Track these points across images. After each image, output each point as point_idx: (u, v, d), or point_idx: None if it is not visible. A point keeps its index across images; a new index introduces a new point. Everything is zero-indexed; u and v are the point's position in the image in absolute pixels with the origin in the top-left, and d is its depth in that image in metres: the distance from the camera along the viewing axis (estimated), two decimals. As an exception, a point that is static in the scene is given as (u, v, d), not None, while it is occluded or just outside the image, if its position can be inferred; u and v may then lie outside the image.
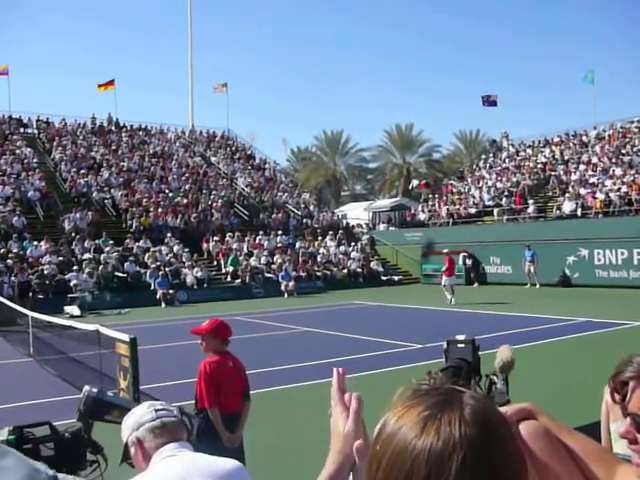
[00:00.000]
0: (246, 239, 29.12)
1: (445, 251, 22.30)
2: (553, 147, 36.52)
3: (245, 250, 28.27)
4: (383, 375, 9.43)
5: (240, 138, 46.10)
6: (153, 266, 24.47)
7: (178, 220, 29.27)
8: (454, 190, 36.11)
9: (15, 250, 23.75)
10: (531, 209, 28.69)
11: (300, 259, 28.39)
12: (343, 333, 14.29)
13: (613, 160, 29.87)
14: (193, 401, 4.55)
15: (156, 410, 2.11)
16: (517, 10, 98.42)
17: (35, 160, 32.47)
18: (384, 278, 29.01)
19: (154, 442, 2.04)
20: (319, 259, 29.25)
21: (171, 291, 23.18)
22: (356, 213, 43.76)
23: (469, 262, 27.18)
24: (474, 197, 33.33)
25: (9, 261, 22.77)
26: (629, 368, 1.48)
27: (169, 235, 27.82)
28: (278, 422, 7.26)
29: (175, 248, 27.10)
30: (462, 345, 4.35)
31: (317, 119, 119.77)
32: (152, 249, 26.20)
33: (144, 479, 1.93)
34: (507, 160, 37.70)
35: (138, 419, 2.10)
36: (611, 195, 26.03)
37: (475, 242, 27.83)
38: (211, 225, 30.01)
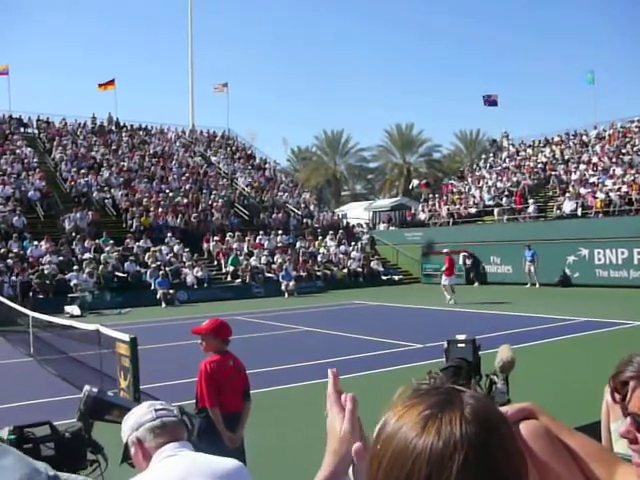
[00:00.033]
0: (246, 239, 29.12)
1: (445, 251, 22.29)
2: (553, 147, 36.52)
3: (245, 250, 28.27)
4: (383, 375, 9.43)
5: (240, 138, 46.14)
6: (153, 266, 24.47)
7: (178, 220, 29.27)
8: (454, 190, 36.11)
9: (15, 250, 23.75)
10: (531, 209, 28.69)
11: (300, 259, 28.39)
12: (343, 333, 14.29)
13: (613, 160, 29.86)
14: (193, 401, 4.55)
15: (156, 410, 2.11)
16: (517, 10, 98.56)
17: (35, 160, 32.47)
18: (384, 278, 29.01)
19: (154, 442, 2.04)
20: (319, 259, 29.25)
21: (171, 291, 23.19)
22: (356, 213, 43.77)
23: (469, 262, 27.18)
24: (474, 197, 33.33)
25: (9, 261, 22.78)
26: (629, 368, 1.48)
27: (169, 235, 27.82)
28: (278, 422, 7.26)
29: (175, 248, 27.10)
30: (462, 345, 4.36)
31: (317, 119, 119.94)
32: (152, 249, 26.21)
33: (144, 479, 1.93)
34: (507, 160, 37.69)
35: (138, 419, 2.10)
36: (611, 195, 26.02)
37: (475, 242, 27.83)
38: (211, 225, 30.01)
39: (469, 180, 37.06)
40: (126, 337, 7.84)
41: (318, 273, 27.92)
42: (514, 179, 32.72)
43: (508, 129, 50.27)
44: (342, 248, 30.69)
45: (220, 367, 4.47)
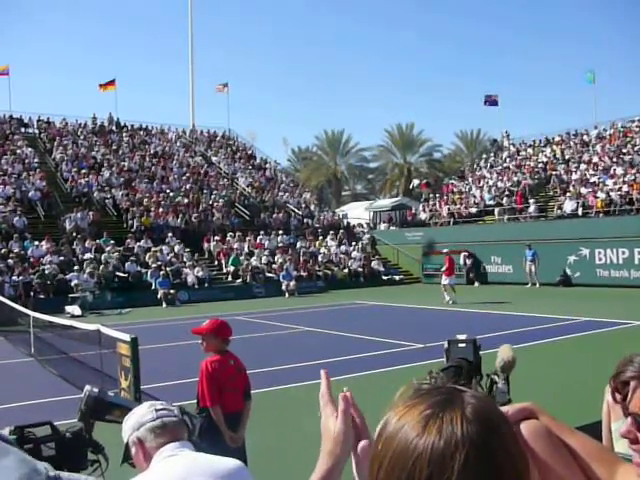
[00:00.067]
0: (247, 239, 29.13)
1: (445, 251, 22.29)
2: (554, 146, 36.50)
3: (246, 250, 28.27)
4: (384, 375, 9.42)
5: (241, 138, 46.15)
6: (154, 266, 24.48)
7: (179, 220, 29.28)
8: (455, 190, 36.11)
9: (16, 250, 23.75)
10: (532, 208, 28.68)
11: (301, 259, 28.39)
12: (344, 333, 14.29)
13: (614, 159, 29.85)
14: (194, 401, 4.55)
15: (157, 410, 2.11)
16: (517, 10, 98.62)
17: (36, 160, 32.48)
18: (385, 278, 29.01)
19: (155, 442, 2.04)
20: (320, 259, 29.25)
21: (172, 291, 23.19)
22: (357, 213, 43.77)
23: (469, 262, 27.18)
24: (475, 197, 33.32)
25: (10, 261, 22.79)
26: (630, 368, 1.48)
27: (170, 235, 27.83)
28: (278, 422, 7.26)
29: (176, 248, 27.11)
30: (463, 345, 4.35)
31: (318, 119, 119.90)
32: (153, 249, 26.22)
33: (145, 479, 1.93)
34: (508, 160, 37.68)
35: (139, 419, 2.10)
36: (612, 194, 26.02)
37: (476, 242, 27.83)
38: (212, 225, 30.02)
39: (470, 180, 37.05)
40: (127, 337, 7.84)
41: (319, 273, 27.93)
42: (515, 179, 32.71)
43: (509, 129, 50.30)
44: (343, 248, 30.70)
45: (221, 367, 4.47)
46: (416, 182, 43.66)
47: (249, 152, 43.48)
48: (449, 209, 33.06)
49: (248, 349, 9.00)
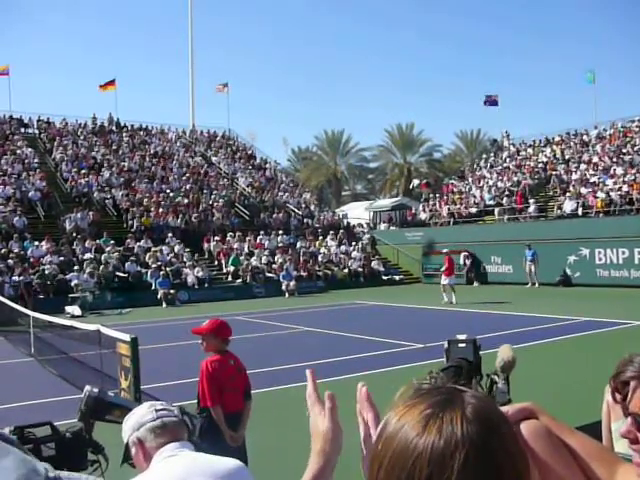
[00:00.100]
0: (247, 239, 29.13)
1: (445, 251, 22.28)
2: (554, 146, 36.50)
3: (246, 250, 28.28)
4: (384, 375, 9.42)
5: (241, 138, 46.15)
6: (154, 266, 24.48)
7: (179, 220, 29.29)
8: (455, 190, 36.11)
9: (16, 250, 23.76)
10: (532, 208, 28.68)
11: (301, 259, 28.39)
12: (344, 333, 14.29)
13: (614, 159, 29.85)
14: (194, 401, 4.56)
15: (157, 410, 2.11)
16: (517, 10, 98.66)
17: (36, 160, 32.49)
18: (385, 278, 29.02)
19: (155, 442, 2.04)
20: (320, 259, 29.26)
21: (172, 291, 23.20)
22: (357, 213, 43.78)
23: (468, 262, 27.18)
24: (475, 197, 33.32)
25: (10, 261, 22.80)
26: (630, 368, 1.48)
27: (170, 235, 27.83)
28: (278, 422, 7.26)
29: (176, 248, 27.11)
30: (463, 345, 4.35)
31: (317, 119, 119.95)
32: (153, 249, 26.22)
33: (145, 479, 1.93)
34: (508, 159, 37.68)
35: (139, 419, 2.10)
36: (612, 194, 26.02)
37: (476, 242, 27.83)
38: (212, 225, 30.02)
39: (470, 180, 37.05)
40: (127, 337, 7.84)
41: (319, 273, 27.93)
42: (515, 179, 32.71)
43: (508, 129, 50.31)
44: (343, 248, 30.70)
45: (221, 366, 4.47)
46: (416, 182, 43.66)
47: (249, 152, 43.49)
48: (449, 209, 33.07)
49: (248, 349, 9.00)
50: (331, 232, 31.79)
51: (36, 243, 24.49)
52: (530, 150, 37.88)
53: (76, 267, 23.25)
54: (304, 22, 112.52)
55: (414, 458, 0.76)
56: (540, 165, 33.78)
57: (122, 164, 34.15)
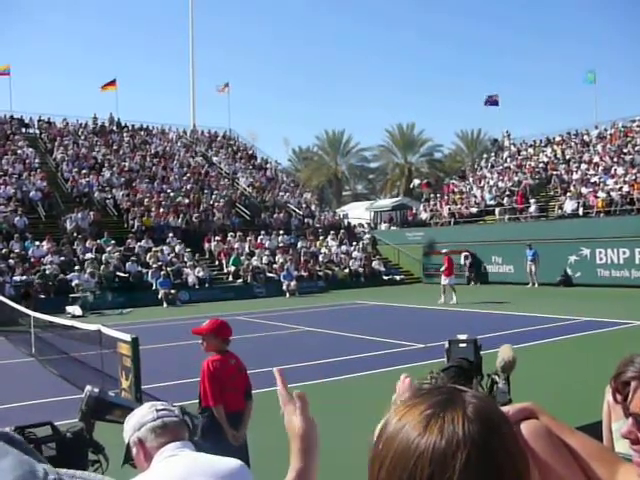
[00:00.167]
0: (248, 239, 29.14)
1: (444, 251, 22.27)
2: (555, 146, 36.48)
3: (247, 250, 28.28)
4: (384, 375, 9.40)
5: (241, 138, 46.14)
6: (155, 266, 24.49)
7: (180, 220, 29.29)
8: (455, 190, 36.09)
9: (17, 250, 23.78)
10: (533, 208, 28.67)
11: (302, 259, 28.39)
12: (345, 333, 14.29)
13: (615, 159, 29.83)
14: (194, 401, 4.56)
15: (157, 410, 2.12)
16: (517, 10, 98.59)
17: (37, 160, 32.50)
18: (386, 278, 29.01)
19: (156, 442, 2.04)
20: (321, 259, 29.26)
21: (173, 291, 23.20)
22: (358, 213, 43.76)
23: (468, 262, 27.17)
24: (476, 197, 33.31)
25: (11, 261, 22.82)
26: (630, 368, 1.48)
27: (171, 235, 27.84)
28: (279, 422, 7.24)
29: (177, 248, 27.12)
30: (464, 345, 4.35)
31: (318, 119, 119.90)
32: (154, 249, 26.23)
33: (145, 479, 1.94)
34: (509, 159, 37.66)
35: (139, 419, 2.10)
36: (613, 194, 26.00)
37: (477, 242, 27.82)
38: (213, 225, 30.03)
39: (470, 180, 37.03)
40: (127, 337, 7.84)
41: (319, 273, 27.93)
42: (515, 179, 32.69)
43: (509, 129, 50.25)
44: (343, 248, 30.70)
45: (222, 366, 4.48)
46: (417, 182, 43.65)
47: (250, 152, 43.48)
48: (450, 209, 33.05)
49: (248, 349, 9.00)
50: (332, 232, 31.79)
51: (37, 243, 24.51)
52: (531, 150, 37.86)
53: (77, 267, 23.26)
54: (304, 22, 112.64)
55: (416, 458, 0.76)
56: (541, 165, 33.76)
57: (123, 164, 34.16)
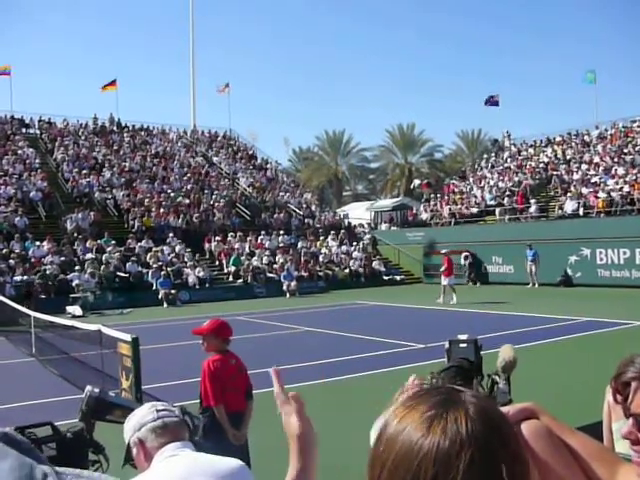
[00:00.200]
0: (248, 239, 29.14)
1: (444, 251, 22.26)
2: (555, 146, 36.48)
3: (247, 250, 28.28)
4: (385, 375, 9.41)
5: (242, 138, 46.14)
6: (155, 266, 24.49)
7: (180, 220, 29.29)
8: (456, 190, 36.08)
9: (17, 250, 23.78)
10: (533, 209, 28.66)
11: (302, 259, 28.38)
12: (345, 333, 14.29)
13: (615, 159, 29.82)
14: (195, 401, 4.56)
15: (157, 410, 2.12)
16: (516, 10, 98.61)
17: (37, 160, 32.51)
18: (386, 278, 29.01)
19: (156, 442, 2.04)
20: (321, 259, 29.25)
21: (173, 291, 23.20)
22: (358, 213, 43.78)
23: (468, 262, 27.16)
24: (476, 197, 33.30)
25: (11, 261, 22.82)
26: (631, 369, 1.48)
27: (171, 235, 27.85)
28: (279, 422, 7.25)
29: (177, 248, 27.12)
30: (464, 345, 4.34)
31: (318, 119, 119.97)
32: (154, 249, 26.23)
33: (145, 479, 1.93)
34: (509, 160, 37.66)
35: (140, 419, 2.10)
36: (613, 194, 25.99)
37: (477, 242, 27.81)
38: (213, 225, 30.03)
39: (471, 180, 37.03)
40: (128, 337, 7.84)
41: (320, 273, 27.93)
42: (516, 179, 32.69)
43: (509, 129, 50.23)
44: (344, 248, 30.69)
45: (223, 366, 4.48)
46: (417, 182, 43.60)
47: (250, 152, 43.48)
48: (450, 209, 33.04)
49: (249, 349, 8.99)
50: (332, 232, 31.79)
51: (37, 243, 24.51)
52: (531, 150, 37.85)
53: (77, 267, 23.27)
54: (303, 22, 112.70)
55: (419, 459, 0.76)
56: (541, 165, 33.76)
57: (123, 164, 34.17)
